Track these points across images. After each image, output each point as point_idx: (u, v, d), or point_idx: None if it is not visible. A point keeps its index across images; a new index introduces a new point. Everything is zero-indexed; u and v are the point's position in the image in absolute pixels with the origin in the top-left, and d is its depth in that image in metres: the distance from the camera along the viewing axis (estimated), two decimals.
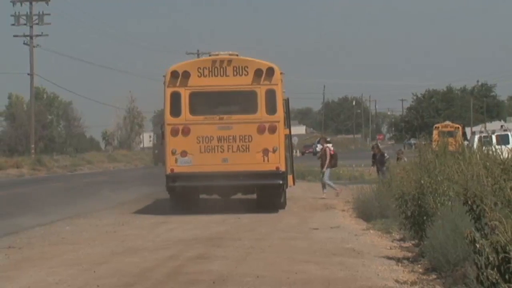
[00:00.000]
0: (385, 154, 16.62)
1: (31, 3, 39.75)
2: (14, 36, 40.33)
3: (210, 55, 12.81)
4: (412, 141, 48.40)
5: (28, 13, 39.72)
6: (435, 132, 28.40)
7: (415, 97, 79.25)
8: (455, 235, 6.06)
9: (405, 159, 14.96)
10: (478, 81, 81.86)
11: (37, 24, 39.83)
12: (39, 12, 39.77)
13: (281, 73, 12.35)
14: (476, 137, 22.70)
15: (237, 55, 12.36)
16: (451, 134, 26.19)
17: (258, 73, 11.93)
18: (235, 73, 11.92)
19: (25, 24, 39.94)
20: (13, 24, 40.13)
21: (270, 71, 12.00)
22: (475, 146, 11.47)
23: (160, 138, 44.08)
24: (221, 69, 11.94)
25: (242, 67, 11.92)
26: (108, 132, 60.98)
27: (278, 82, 12.08)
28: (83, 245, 8.48)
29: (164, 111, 12.28)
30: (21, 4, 39.77)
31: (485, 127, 29.92)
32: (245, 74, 11.89)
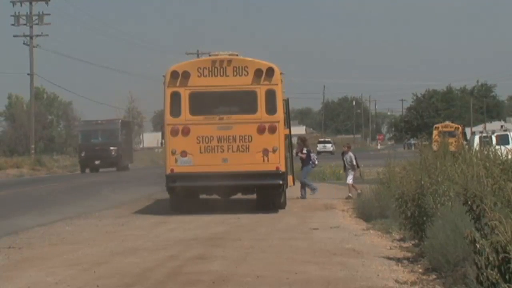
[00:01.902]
0: (312, 154, 15.28)
1: (31, 3, 39.71)
2: (14, 36, 40.33)
3: (210, 55, 12.80)
4: (412, 141, 48.37)
5: (28, 13, 39.68)
6: (435, 133, 28.41)
7: (415, 97, 79.21)
8: (455, 235, 6.06)
9: (352, 156, 15.00)
10: (478, 81, 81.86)
11: (37, 24, 39.80)
12: (39, 12, 39.75)
13: (281, 73, 12.34)
14: (476, 138, 22.71)
15: (237, 55, 12.35)
16: (451, 134, 26.21)
17: (258, 73, 11.92)
18: (235, 73, 11.90)
19: (25, 24, 39.92)
20: (13, 24, 40.12)
21: (270, 71, 12.00)
22: (475, 146, 11.48)
23: (89, 138, 36.84)
24: (221, 69, 11.93)
25: (242, 67, 11.91)
26: None
27: (278, 82, 12.07)
28: (83, 245, 8.47)
29: (164, 111, 12.27)
30: (21, 4, 39.74)
31: (485, 127, 29.95)
32: (245, 74, 11.87)
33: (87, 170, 31.74)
